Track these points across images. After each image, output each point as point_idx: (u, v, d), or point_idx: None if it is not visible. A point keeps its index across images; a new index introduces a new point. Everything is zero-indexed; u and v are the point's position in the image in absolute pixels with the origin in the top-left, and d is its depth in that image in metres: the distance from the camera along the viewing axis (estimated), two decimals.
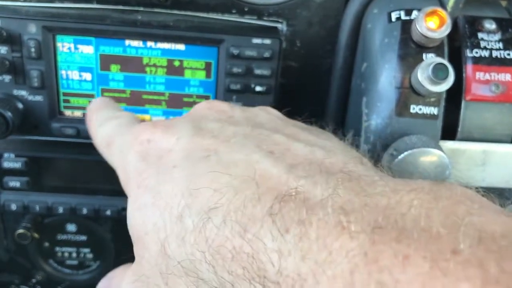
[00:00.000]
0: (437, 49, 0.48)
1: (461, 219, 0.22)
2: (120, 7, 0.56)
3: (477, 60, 0.49)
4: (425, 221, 0.23)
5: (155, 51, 0.56)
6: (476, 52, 0.49)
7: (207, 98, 0.58)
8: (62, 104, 0.57)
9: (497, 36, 0.50)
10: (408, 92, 0.47)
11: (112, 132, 0.40)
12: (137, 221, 0.33)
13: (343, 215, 0.24)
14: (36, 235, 0.64)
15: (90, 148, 0.62)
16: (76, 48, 0.55)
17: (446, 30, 0.45)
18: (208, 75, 0.57)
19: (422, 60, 0.47)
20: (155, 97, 0.58)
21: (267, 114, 0.41)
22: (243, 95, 0.57)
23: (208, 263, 0.27)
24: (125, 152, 0.38)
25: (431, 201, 0.24)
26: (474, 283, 0.19)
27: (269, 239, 0.25)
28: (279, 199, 0.27)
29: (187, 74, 0.57)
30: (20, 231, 0.62)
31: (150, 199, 0.32)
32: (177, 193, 0.31)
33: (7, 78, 0.54)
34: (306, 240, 0.24)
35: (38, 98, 0.55)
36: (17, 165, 0.61)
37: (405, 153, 0.45)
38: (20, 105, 0.55)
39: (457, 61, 0.49)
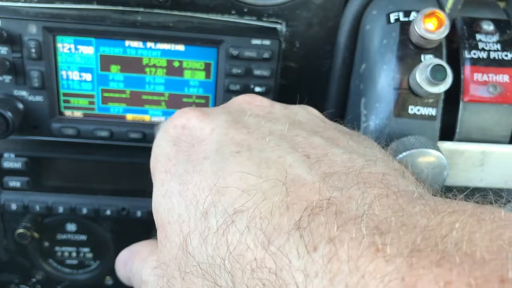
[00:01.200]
0: (435, 51, 0.48)
1: (507, 244, 0.20)
2: (120, 8, 0.56)
3: (475, 61, 0.49)
4: (468, 245, 0.21)
5: (155, 51, 0.56)
6: (474, 53, 0.49)
7: (206, 98, 0.58)
8: (62, 104, 0.57)
9: (495, 38, 0.50)
10: (407, 93, 0.48)
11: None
12: (162, 208, 0.32)
13: (378, 236, 0.22)
14: (36, 235, 0.64)
15: (90, 148, 0.63)
16: (76, 48, 0.55)
17: (444, 31, 0.46)
18: (207, 75, 0.57)
19: (420, 61, 0.48)
20: (155, 98, 0.58)
21: (308, 114, 0.39)
22: None
23: (227, 271, 0.26)
24: (159, 135, 0.38)
25: (474, 224, 0.22)
26: None
27: (294, 256, 0.23)
28: (309, 210, 0.25)
29: (187, 74, 0.57)
30: (20, 230, 0.63)
31: (177, 187, 0.32)
32: (204, 187, 0.30)
33: (7, 78, 0.54)
34: (335, 261, 0.22)
35: (38, 98, 0.56)
36: (17, 165, 0.61)
37: (404, 153, 0.45)
38: (20, 106, 0.55)
39: (455, 62, 0.50)
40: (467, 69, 0.49)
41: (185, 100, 0.58)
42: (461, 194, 0.27)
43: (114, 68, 0.56)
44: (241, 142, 0.32)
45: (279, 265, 0.24)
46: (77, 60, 0.55)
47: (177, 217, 0.31)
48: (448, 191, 0.29)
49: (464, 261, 0.20)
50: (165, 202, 0.32)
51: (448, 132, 0.49)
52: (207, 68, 0.57)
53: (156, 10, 0.56)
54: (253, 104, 0.39)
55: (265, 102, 0.39)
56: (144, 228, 0.63)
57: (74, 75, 0.56)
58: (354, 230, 0.23)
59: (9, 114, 0.53)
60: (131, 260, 0.41)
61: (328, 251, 0.23)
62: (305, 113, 0.39)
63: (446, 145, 0.49)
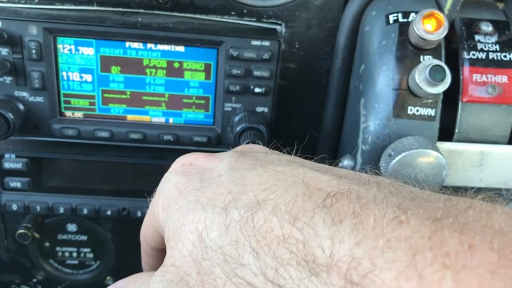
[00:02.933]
0: (434, 51, 0.49)
1: None
2: (120, 9, 0.56)
3: (474, 62, 0.49)
4: (486, 219, 0.22)
5: (155, 52, 0.56)
6: (473, 54, 0.49)
7: (206, 99, 0.59)
8: (62, 105, 0.58)
9: (494, 38, 0.50)
10: (406, 94, 0.48)
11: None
12: (176, 218, 0.32)
13: (401, 211, 0.24)
14: (36, 235, 0.64)
15: (90, 148, 0.63)
16: (76, 49, 0.55)
17: (443, 32, 0.46)
18: (207, 76, 0.58)
19: (419, 62, 0.48)
20: (155, 98, 0.58)
21: (303, 160, 0.42)
22: (242, 96, 0.57)
23: (252, 248, 0.27)
24: (166, 175, 0.38)
25: (488, 207, 0.24)
26: None
27: (321, 227, 0.25)
28: (331, 195, 0.27)
29: (187, 75, 0.57)
30: (21, 231, 0.63)
31: (193, 198, 0.32)
32: (223, 192, 0.31)
33: (8, 79, 0.54)
34: (361, 229, 0.24)
35: (39, 99, 0.56)
36: (18, 165, 0.61)
37: (403, 154, 0.45)
38: (21, 106, 0.55)
39: (454, 63, 0.50)
40: (466, 70, 0.49)
41: (185, 100, 0.59)
42: (469, 193, 0.29)
43: (115, 69, 0.56)
44: (254, 163, 0.34)
45: (306, 236, 0.25)
46: (78, 61, 0.56)
47: (192, 218, 0.31)
48: (455, 191, 0.30)
49: (485, 230, 0.22)
50: (180, 212, 0.32)
51: (447, 132, 0.50)
52: (207, 69, 0.57)
53: (156, 11, 0.56)
54: (254, 148, 0.41)
55: (264, 147, 0.42)
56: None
57: (75, 76, 0.56)
58: (377, 208, 0.25)
59: (10, 115, 0.53)
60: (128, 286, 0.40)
61: (355, 222, 0.24)
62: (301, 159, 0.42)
63: (445, 145, 0.49)
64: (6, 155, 0.61)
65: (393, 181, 0.31)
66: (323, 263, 0.24)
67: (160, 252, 0.42)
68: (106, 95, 0.58)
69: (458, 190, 0.30)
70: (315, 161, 0.37)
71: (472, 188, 0.49)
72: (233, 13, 0.57)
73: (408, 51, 0.49)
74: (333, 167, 0.35)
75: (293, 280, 0.25)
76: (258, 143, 0.54)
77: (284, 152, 0.40)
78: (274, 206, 0.28)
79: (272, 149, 0.42)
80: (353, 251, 0.23)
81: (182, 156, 0.39)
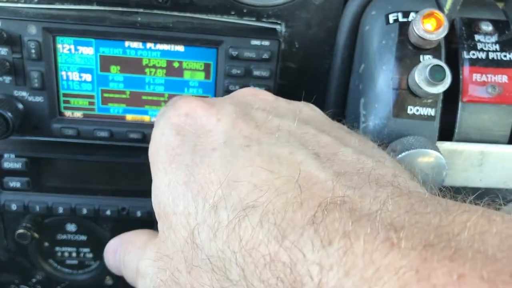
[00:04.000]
0: (434, 51, 0.49)
1: None
2: (120, 8, 0.56)
3: (474, 62, 0.49)
4: (480, 243, 0.21)
5: (155, 52, 0.56)
6: (473, 54, 0.49)
7: None
8: (62, 105, 0.57)
9: (494, 38, 0.50)
10: (406, 94, 0.48)
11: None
12: (166, 197, 0.31)
13: (393, 231, 0.23)
14: (36, 235, 0.64)
15: (89, 148, 0.63)
16: (76, 49, 0.55)
17: (443, 32, 0.46)
18: (207, 76, 0.57)
19: (419, 61, 0.48)
20: (155, 98, 0.58)
21: (312, 111, 0.39)
22: None
23: (238, 265, 0.26)
24: (161, 122, 0.36)
25: (484, 224, 0.23)
26: None
27: (309, 250, 0.24)
28: (323, 207, 0.25)
29: (186, 75, 0.57)
30: (20, 231, 0.63)
31: (183, 177, 0.31)
32: (213, 180, 0.30)
33: (7, 79, 0.54)
34: (350, 254, 0.23)
35: (39, 99, 0.56)
36: (17, 165, 0.61)
37: (403, 154, 0.45)
38: (20, 106, 0.55)
39: (454, 62, 0.50)
40: (466, 70, 0.49)
41: None
42: (472, 196, 0.28)
43: (114, 69, 0.56)
44: (250, 136, 0.32)
45: (293, 259, 0.24)
46: (77, 61, 0.56)
47: (183, 209, 0.30)
48: (457, 193, 0.29)
49: (477, 257, 0.20)
50: (169, 192, 0.31)
51: (447, 132, 0.50)
52: (206, 68, 0.57)
53: (155, 11, 0.56)
54: (258, 97, 0.38)
55: (269, 96, 0.39)
56: (144, 228, 0.64)
57: (74, 75, 0.56)
58: (369, 225, 0.23)
59: (9, 115, 0.53)
60: (123, 250, 0.39)
61: (343, 245, 0.23)
62: (309, 110, 0.39)
63: (445, 145, 0.49)
64: (5, 155, 0.61)
65: (396, 171, 0.30)
66: None
67: None
68: (105, 94, 0.57)
69: (459, 192, 0.29)
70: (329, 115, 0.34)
71: (473, 189, 0.49)
72: (232, 12, 0.57)
73: (408, 50, 0.48)
74: (339, 144, 0.32)
75: None
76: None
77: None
78: (263, 214, 0.26)
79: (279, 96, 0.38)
80: (342, 282, 0.22)
81: (179, 100, 0.36)
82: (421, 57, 0.48)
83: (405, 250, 0.22)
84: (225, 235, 0.27)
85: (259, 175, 0.29)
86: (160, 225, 0.32)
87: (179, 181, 0.31)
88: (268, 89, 0.57)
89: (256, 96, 0.38)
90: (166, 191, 0.31)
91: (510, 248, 0.21)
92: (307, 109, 0.39)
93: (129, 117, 0.59)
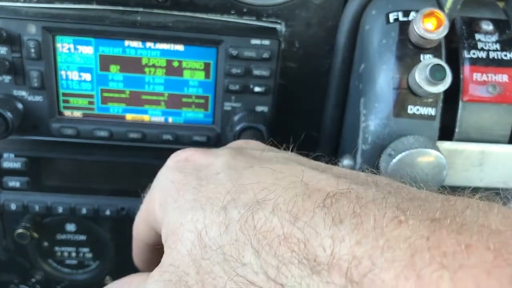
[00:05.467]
0: (435, 50, 0.48)
1: None
2: (120, 8, 0.56)
3: (474, 61, 0.49)
4: (483, 219, 0.23)
5: (154, 51, 0.56)
6: (474, 53, 0.49)
7: (206, 98, 0.58)
8: (61, 104, 0.57)
9: (494, 37, 0.50)
10: (406, 93, 0.48)
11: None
12: (174, 216, 0.32)
13: (400, 211, 0.24)
14: (35, 235, 0.64)
15: (89, 148, 0.63)
16: (75, 48, 0.55)
17: (443, 31, 0.46)
18: (207, 75, 0.57)
19: (419, 61, 0.48)
20: (154, 98, 0.58)
21: (298, 156, 0.42)
22: (242, 95, 0.57)
23: (253, 247, 0.27)
24: (161, 171, 0.38)
25: (485, 207, 0.25)
26: None
27: (321, 228, 0.25)
28: (331, 195, 0.27)
29: (186, 74, 0.57)
30: (20, 230, 0.62)
31: (191, 196, 0.32)
32: (221, 191, 0.31)
33: (7, 78, 0.54)
34: (361, 229, 0.24)
35: (38, 98, 0.56)
36: (16, 165, 0.61)
37: (403, 153, 0.45)
38: (20, 106, 0.55)
39: (455, 62, 0.50)
40: (466, 69, 0.49)
41: (184, 100, 0.58)
42: (467, 192, 0.29)
43: (114, 68, 0.56)
44: (251, 161, 0.34)
45: (307, 235, 0.25)
46: (77, 60, 0.55)
47: (191, 217, 0.31)
48: (453, 191, 0.30)
49: (482, 230, 0.22)
50: (177, 212, 0.32)
51: (447, 132, 0.49)
52: (206, 68, 0.57)
53: (155, 10, 0.56)
54: (250, 144, 0.42)
55: (260, 144, 0.42)
56: None
57: (74, 75, 0.56)
58: (376, 208, 0.25)
59: (8, 114, 0.53)
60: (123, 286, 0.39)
61: (354, 222, 0.25)
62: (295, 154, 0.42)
63: (445, 145, 0.49)
64: (5, 155, 0.61)
65: (391, 181, 0.32)
66: (324, 261, 0.24)
67: (153, 248, 0.41)
68: (105, 94, 0.57)
69: (455, 190, 0.30)
70: (311, 159, 0.37)
71: (470, 188, 0.49)
72: (232, 12, 0.57)
73: (408, 50, 0.48)
74: (331, 166, 0.35)
75: (294, 279, 0.25)
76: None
77: (280, 149, 0.40)
78: (274, 205, 0.28)
79: (269, 146, 0.41)
80: (353, 250, 0.23)
81: (176, 152, 0.39)
82: (421, 56, 0.48)
83: (413, 226, 0.23)
84: (237, 227, 0.28)
85: (265, 181, 0.31)
86: (166, 245, 0.33)
87: (188, 199, 0.32)
88: (268, 88, 0.57)
89: (248, 143, 0.42)
90: (175, 214, 0.33)
91: None
92: (293, 154, 0.42)
93: (129, 116, 0.59)
